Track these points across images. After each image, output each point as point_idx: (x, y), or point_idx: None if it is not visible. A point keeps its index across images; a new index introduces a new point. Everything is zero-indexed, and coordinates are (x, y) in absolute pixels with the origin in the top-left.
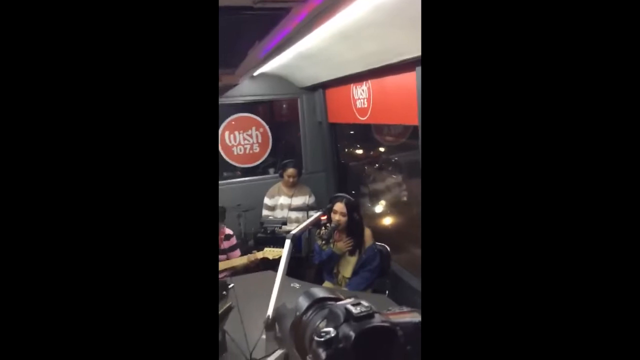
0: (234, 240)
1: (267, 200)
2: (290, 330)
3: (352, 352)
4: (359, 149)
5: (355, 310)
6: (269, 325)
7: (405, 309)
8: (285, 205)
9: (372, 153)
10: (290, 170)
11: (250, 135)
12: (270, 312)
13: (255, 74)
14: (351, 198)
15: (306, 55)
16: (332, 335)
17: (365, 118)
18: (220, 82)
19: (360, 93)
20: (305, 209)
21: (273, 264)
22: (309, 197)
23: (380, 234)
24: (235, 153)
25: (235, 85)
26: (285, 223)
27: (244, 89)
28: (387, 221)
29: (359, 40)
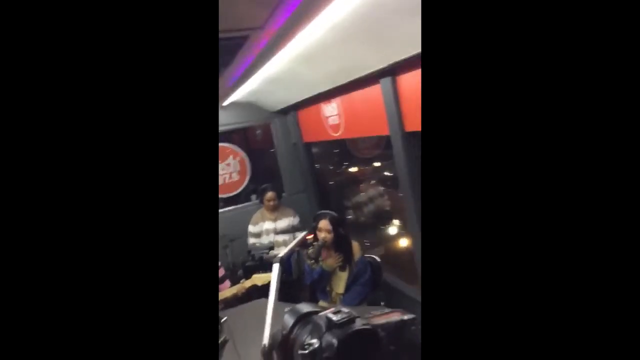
0: (222, 272)
1: (251, 228)
2: (278, 350)
3: (338, 359)
4: (352, 166)
5: (335, 317)
6: (266, 354)
7: (386, 310)
8: (271, 229)
9: (367, 168)
10: (269, 194)
11: (229, 165)
12: (265, 340)
13: (225, 103)
14: (335, 214)
15: (273, 79)
16: (316, 346)
17: (338, 134)
18: None
19: (331, 110)
20: (291, 230)
21: (264, 290)
22: (293, 217)
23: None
24: None
25: None
26: (272, 248)
27: None
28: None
29: (322, 59)
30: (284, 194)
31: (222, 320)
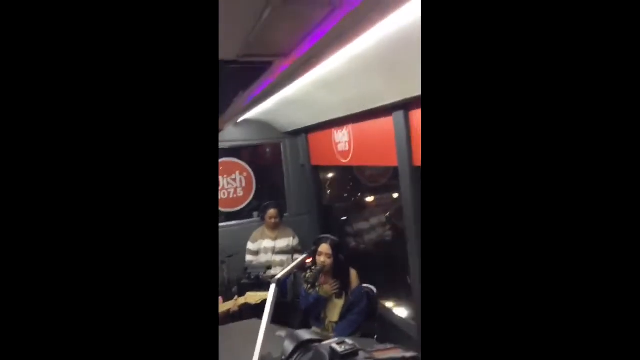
0: None
1: (250, 245)
2: None
3: None
4: (369, 196)
5: (339, 349)
6: None
7: (389, 346)
8: (269, 248)
9: (376, 197)
10: (272, 211)
11: (234, 180)
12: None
13: (239, 120)
14: (336, 239)
15: (289, 101)
16: None
17: (346, 160)
18: None
19: (341, 137)
20: (290, 251)
21: (256, 309)
22: (293, 238)
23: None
24: (219, 198)
25: (219, 131)
26: (270, 267)
27: (228, 135)
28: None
29: (339, 87)
30: (286, 214)
31: None
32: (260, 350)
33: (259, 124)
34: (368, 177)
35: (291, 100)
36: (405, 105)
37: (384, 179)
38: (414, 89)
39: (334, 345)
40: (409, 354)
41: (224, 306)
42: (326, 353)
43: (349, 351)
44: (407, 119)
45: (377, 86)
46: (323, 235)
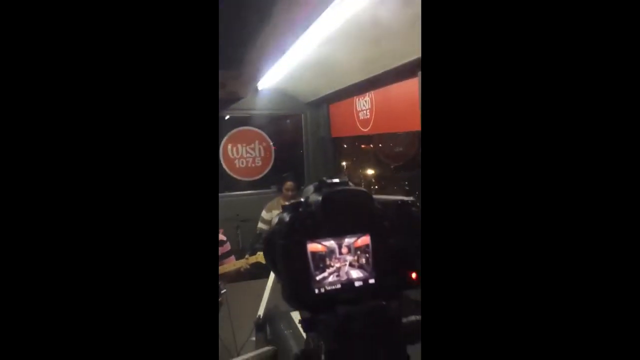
0: (228, 247)
1: (264, 214)
2: (265, 244)
3: (321, 216)
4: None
5: (329, 180)
6: (260, 326)
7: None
8: None
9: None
10: (289, 184)
11: (253, 149)
12: (261, 311)
13: (260, 87)
14: None
15: (308, 66)
16: (302, 201)
17: (367, 129)
18: (224, 88)
19: (363, 105)
20: None
21: (267, 269)
22: None
23: None
24: (237, 166)
25: (241, 98)
26: None
27: (250, 103)
28: None
29: (358, 46)
30: (302, 187)
31: (222, 292)
32: (267, 302)
33: (280, 94)
34: (388, 155)
35: (311, 64)
36: None
37: (401, 160)
38: None
39: (324, 179)
40: (407, 198)
41: (235, 264)
42: (312, 187)
43: (339, 181)
44: None
45: (402, 38)
46: None
